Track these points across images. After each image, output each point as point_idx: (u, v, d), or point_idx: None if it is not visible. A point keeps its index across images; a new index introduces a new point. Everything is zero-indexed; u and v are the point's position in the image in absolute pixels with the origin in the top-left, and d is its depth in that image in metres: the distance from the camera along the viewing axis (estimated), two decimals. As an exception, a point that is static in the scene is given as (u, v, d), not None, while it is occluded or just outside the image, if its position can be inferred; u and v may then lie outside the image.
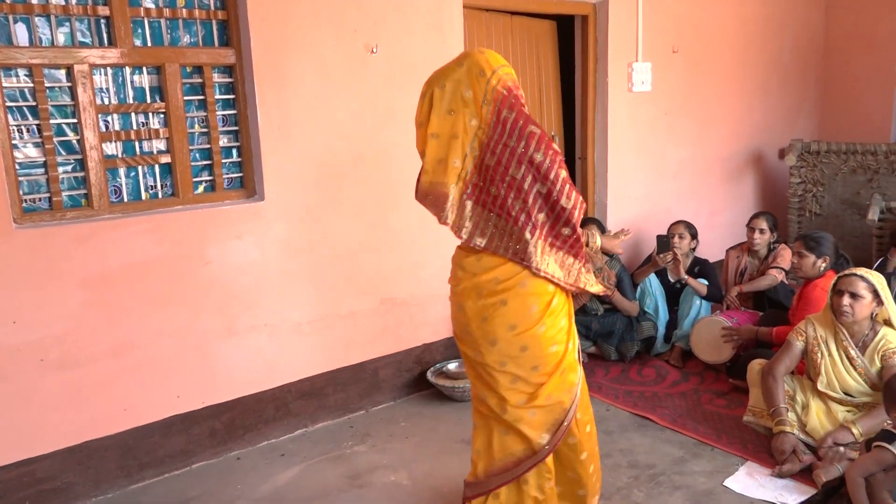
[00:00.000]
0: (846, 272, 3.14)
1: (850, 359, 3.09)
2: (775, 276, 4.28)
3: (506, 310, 2.25)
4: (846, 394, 3.10)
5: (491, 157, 2.19)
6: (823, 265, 3.67)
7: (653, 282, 4.46)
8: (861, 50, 5.85)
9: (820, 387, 3.13)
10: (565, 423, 2.34)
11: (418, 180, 2.29)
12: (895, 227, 4.68)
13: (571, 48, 4.75)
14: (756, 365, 3.35)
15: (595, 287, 2.37)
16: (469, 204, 2.23)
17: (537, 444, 2.32)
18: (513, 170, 2.18)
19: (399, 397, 3.89)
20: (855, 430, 2.96)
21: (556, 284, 2.29)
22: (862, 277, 3.06)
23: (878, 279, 3.08)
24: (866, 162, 5.21)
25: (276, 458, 3.32)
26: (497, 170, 2.18)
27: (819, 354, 3.14)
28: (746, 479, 3.00)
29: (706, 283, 4.36)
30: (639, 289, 4.46)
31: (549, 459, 2.38)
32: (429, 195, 2.25)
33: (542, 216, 2.21)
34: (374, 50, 3.50)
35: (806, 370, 3.27)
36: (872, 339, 3.08)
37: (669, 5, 4.84)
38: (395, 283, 3.77)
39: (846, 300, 3.04)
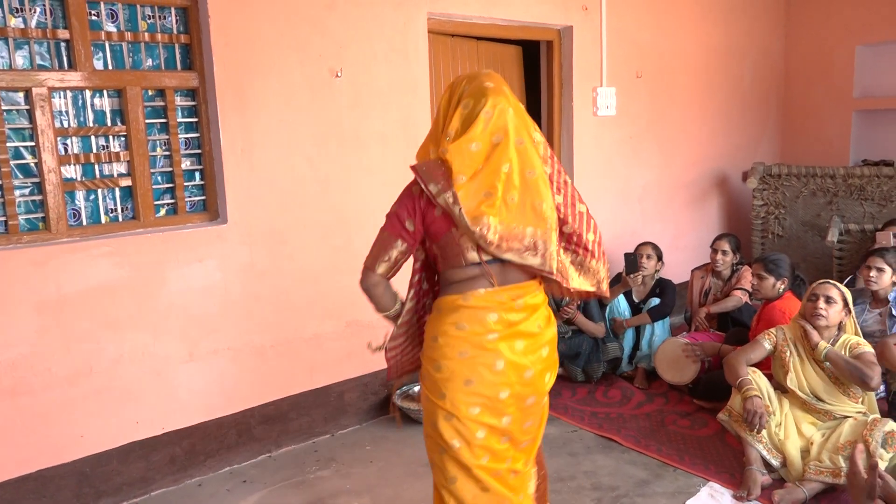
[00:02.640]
0: (821, 280, 3.27)
1: (817, 361, 3.17)
2: (740, 297, 4.35)
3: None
4: (814, 395, 3.16)
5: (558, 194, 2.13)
6: (782, 286, 3.75)
7: (621, 302, 4.50)
8: (819, 77, 6.02)
9: (789, 384, 3.19)
10: None
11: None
12: (855, 249, 4.78)
13: (537, 73, 4.82)
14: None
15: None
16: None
17: None
18: (578, 204, 2.16)
19: (365, 421, 3.87)
20: (822, 345, 3.07)
21: None
22: (834, 285, 3.21)
23: (845, 290, 3.22)
24: (826, 185, 5.34)
25: (238, 484, 3.27)
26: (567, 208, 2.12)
27: (788, 353, 3.24)
28: (708, 500, 3.02)
29: (656, 301, 4.41)
30: (608, 308, 4.49)
31: None
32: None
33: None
34: (339, 74, 3.52)
35: (775, 376, 3.31)
36: (837, 342, 3.18)
37: (633, 32, 4.94)
38: (360, 306, 3.70)
39: (821, 303, 3.16)
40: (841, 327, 3.22)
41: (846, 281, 4.39)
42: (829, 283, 3.23)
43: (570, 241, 2.06)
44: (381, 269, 2.02)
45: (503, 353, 1.97)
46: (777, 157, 6.32)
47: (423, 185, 1.93)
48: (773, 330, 3.34)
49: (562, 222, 2.03)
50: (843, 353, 3.14)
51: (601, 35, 4.72)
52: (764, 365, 3.34)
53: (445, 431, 2.00)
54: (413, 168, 1.97)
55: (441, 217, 1.95)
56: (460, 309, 1.99)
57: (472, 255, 1.97)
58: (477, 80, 1.99)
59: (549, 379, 2.13)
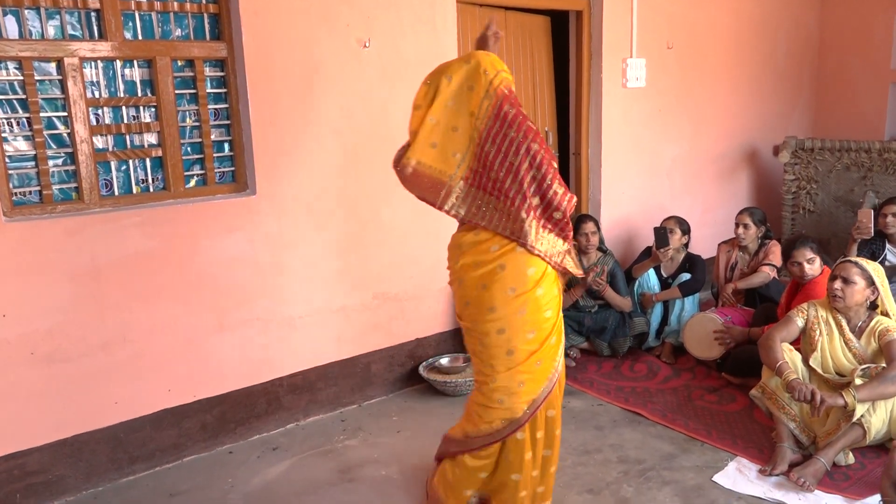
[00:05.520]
0: (844, 259, 3.22)
1: (846, 341, 3.13)
2: (768, 273, 4.30)
3: (504, 273, 2.41)
4: (838, 373, 3.14)
5: (491, 145, 2.38)
6: (821, 265, 3.72)
7: (651, 277, 4.47)
8: (855, 48, 5.86)
9: (812, 363, 3.16)
10: (546, 395, 2.50)
11: (402, 154, 2.43)
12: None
13: (566, 44, 4.74)
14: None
15: (576, 270, 2.54)
16: (472, 190, 2.42)
17: (519, 413, 2.46)
18: (511, 157, 2.36)
19: (391, 392, 3.90)
20: (848, 398, 2.87)
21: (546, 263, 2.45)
22: (856, 264, 3.13)
23: (874, 268, 3.15)
24: (860, 159, 5.22)
25: (268, 451, 3.32)
26: (497, 157, 2.37)
27: (817, 332, 3.19)
28: (736, 474, 3.01)
29: (687, 276, 4.37)
30: (637, 283, 4.47)
31: (528, 434, 2.50)
32: (421, 176, 2.42)
33: (535, 200, 2.38)
34: (367, 45, 3.49)
35: (802, 349, 3.27)
36: (868, 325, 3.14)
37: (664, 1, 4.84)
38: (387, 278, 3.77)
39: (838, 284, 3.12)
40: (872, 306, 3.17)
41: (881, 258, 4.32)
42: (849, 261, 3.16)
43: (494, 185, 2.39)
44: None
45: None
46: (809, 131, 6.19)
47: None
48: (804, 305, 3.29)
49: (488, 168, 2.38)
50: (871, 341, 3.10)
51: (632, 4, 4.63)
52: (795, 340, 3.30)
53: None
54: None
55: None
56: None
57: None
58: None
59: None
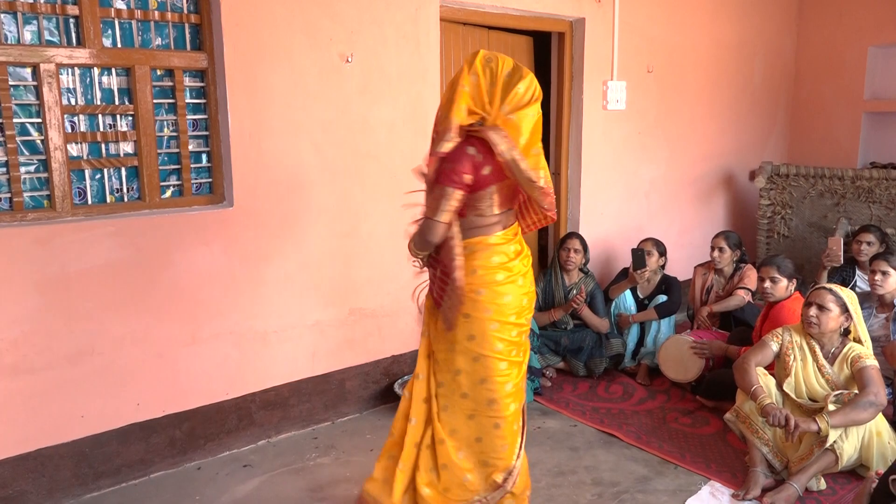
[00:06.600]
0: (818, 286, 3.23)
1: (819, 367, 3.15)
2: (743, 296, 4.34)
3: None
4: (811, 399, 3.15)
5: None
6: (792, 287, 3.74)
7: (627, 298, 4.49)
8: (830, 76, 5.98)
9: (786, 388, 3.17)
10: None
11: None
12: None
13: (548, 65, 4.78)
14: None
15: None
16: None
17: None
18: None
19: (365, 409, 3.86)
20: (821, 424, 2.89)
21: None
22: (831, 291, 3.15)
23: (848, 295, 3.17)
24: (833, 186, 5.31)
25: (238, 469, 3.26)
26: None
27: (791, 357, 3.21)
28: (709, 498, 3.01)
29: (663, 298, 4.40)
30: (614, 304, 4.48)
31: None
32: None
33: None
34: (349, 59, 3.49)
35: (776, 374, 3.29)
36: (841, 351, 3.16)
37: (645, 26, 4.90)
38: (364, 294, 3.74)
39: (813, 311, 3.14)
40: (845, 334, 3.20)
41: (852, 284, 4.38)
42: (824, 288, 3.18)
43: None
44: (446, 217, 2.35)
45: (520, 271, 2.51)
46: (784, 157, 6.29)
47: (494, 146, 2.30)
48: (779, 330, 3.31)
49: None
50: (843, 367, 3.13)
51: (613, 28, 4.68)
52: (769, 365, 3.33)
53: (493, 337, 2.48)
54: (489, 130, 2.31)
55: (490, 174, 2.37)
56: (490, 247, 2.48)
57: (496, 207, 2.46)
58: (517, 66, 2.52)
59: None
